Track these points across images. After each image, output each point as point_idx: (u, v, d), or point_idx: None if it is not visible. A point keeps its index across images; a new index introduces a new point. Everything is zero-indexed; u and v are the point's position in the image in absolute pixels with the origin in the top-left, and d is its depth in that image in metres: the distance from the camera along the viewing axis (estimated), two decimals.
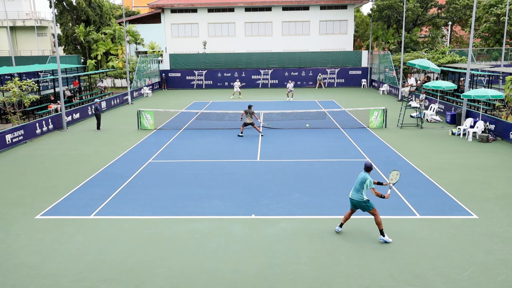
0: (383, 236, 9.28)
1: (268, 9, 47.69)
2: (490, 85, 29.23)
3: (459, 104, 24.98)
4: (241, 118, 20.67)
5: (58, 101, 26.17)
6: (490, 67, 30.82)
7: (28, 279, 8.05)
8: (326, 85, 43.79)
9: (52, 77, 30.92)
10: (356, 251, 8.91)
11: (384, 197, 9.18)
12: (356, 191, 9.29)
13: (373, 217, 9.55)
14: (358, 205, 9.34)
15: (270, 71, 43.98)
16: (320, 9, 47.26)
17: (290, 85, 34.09)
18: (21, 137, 19.56)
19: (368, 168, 9.28)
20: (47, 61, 39.84)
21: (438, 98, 26.82)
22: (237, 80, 37.75)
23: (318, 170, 14.77)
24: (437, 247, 9.03)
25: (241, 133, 20.34)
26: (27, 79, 24.55)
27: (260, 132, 20.51)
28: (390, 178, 9.59)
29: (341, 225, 9.77)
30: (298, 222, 10.45)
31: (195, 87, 44.34)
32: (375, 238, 9.43)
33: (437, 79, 31.98)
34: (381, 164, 15.34)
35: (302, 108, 27.78)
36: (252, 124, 20.13)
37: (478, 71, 27.38)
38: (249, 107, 20.23)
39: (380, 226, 9.24)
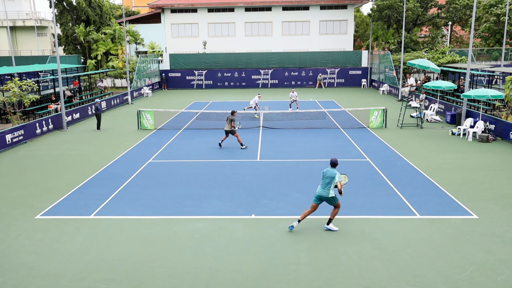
0: (328, 224, 9.85)
1: (268, 9, 47.68)
2: (490, 85, 29.22)
3: (459, 104, 24.98)
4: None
5: (58, 101, 26.17)
6: (490, 67, 30.81)
7: (28, 279, 8.05)
8: (326, 85, 43.78)
9: (52, 77, 30.91)
10: (356, 251, 8.91)
11: (341, 193, 9.49)
12: (325, 186, 9.59)
13: (333, 208, 9.84)
14: (327, 200, 9.69)
15: (270, 71, 43.97)
16: (320, 9, 47.25)
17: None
18: (21, 137, 19.56)
19: (334, 164, 9.75)
20: (47, 61, 39.82)
21: (438, 98, 26.82)
22: (258, 95, 25.93)
23: (318, 170, 14.71)
24: (437, 247, 9.03)
25: (221, 142, 18.26)
26: (27, 79, 24.53)
27: (241, 143, 18.00)
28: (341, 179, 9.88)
29: (299, 221, 9.93)
30: None
31: (195, 87, 44.33)
32: (375, 238, 9.43)
33: (437, 79, 31.97)
34: (381, 164, 15.35)
35: (302, 108, 27.77)
36: (232, 132, 17.86)
37: (478, 71, 27.38)
38: (232, 113, 17.99)
39: (333, 217, 9.80)
